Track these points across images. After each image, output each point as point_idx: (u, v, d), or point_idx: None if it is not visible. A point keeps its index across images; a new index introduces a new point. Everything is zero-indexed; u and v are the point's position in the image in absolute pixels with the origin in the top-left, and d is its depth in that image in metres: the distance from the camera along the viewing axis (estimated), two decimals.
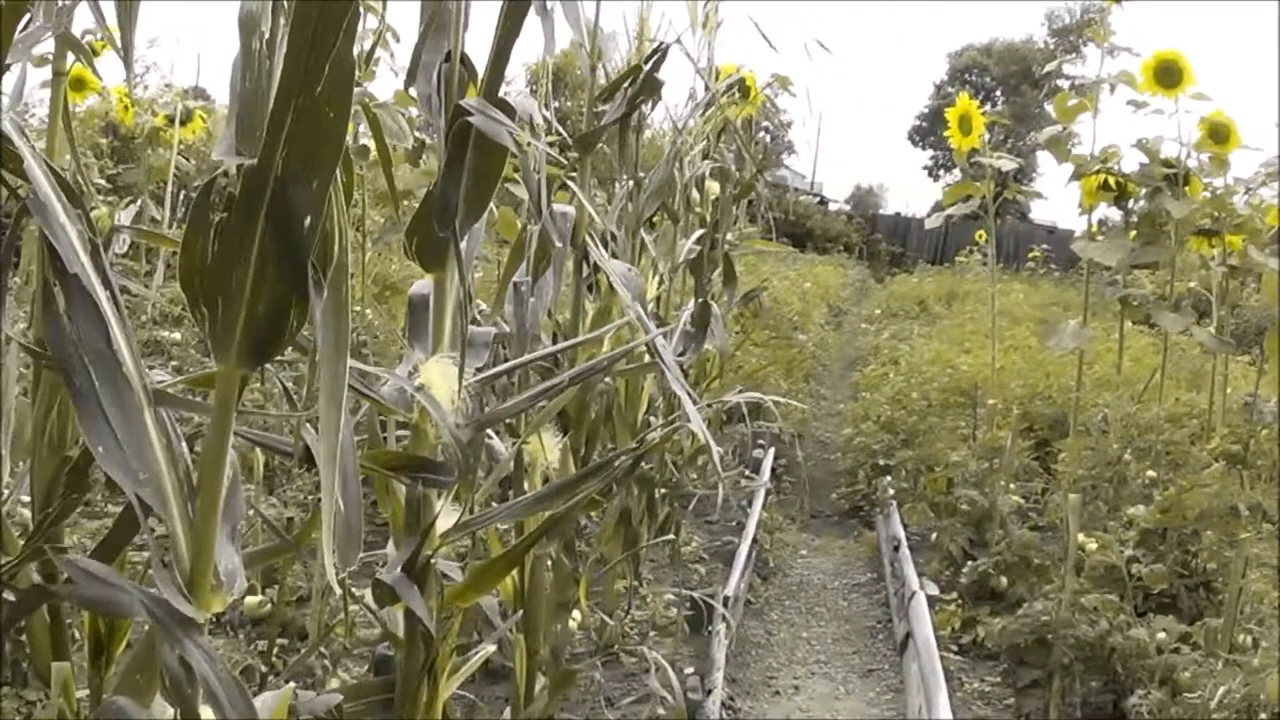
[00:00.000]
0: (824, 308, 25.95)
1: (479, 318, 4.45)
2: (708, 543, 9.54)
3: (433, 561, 3.22)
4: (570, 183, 5.25)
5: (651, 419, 7.50)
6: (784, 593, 9.77)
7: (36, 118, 11.59)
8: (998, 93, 63.71)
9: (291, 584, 6.35)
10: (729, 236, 10.35)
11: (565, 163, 5.66)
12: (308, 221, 1.97)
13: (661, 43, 5.88)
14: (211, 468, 2.10)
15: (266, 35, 2.03)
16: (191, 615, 2.05)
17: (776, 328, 18.79)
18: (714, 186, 9.97)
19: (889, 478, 11.67)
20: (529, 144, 3.13)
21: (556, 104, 31.39)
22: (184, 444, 2.17)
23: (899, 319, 24.89)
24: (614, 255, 6.81)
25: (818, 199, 55.35)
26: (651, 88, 5.74)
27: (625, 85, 5.71)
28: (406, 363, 3.29)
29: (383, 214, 10.59)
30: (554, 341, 5.68)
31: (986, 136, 9.99)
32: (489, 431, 4.28)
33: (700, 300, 8.23)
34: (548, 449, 4.69)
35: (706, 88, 8.40)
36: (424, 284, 3.42)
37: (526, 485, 4.73)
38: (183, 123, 13.66)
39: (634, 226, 7.14)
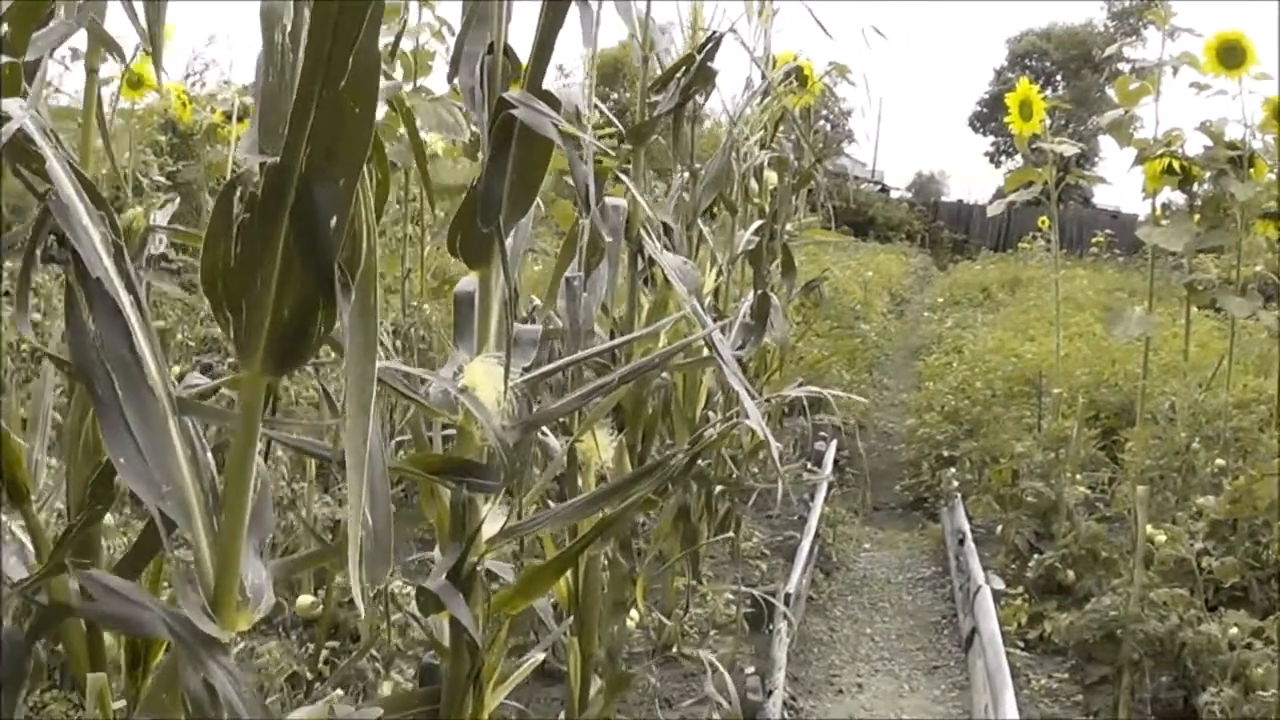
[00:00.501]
0: (886, 296, 25.79)
1: (533, 314, 4.35)
2: (769, 538, 9.42)
3: (478, 568, 3.13)
4: (623, 176, 5.14)
5: (710, 414, 7.39)
6: (847, 588, 9.67)
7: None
8: (1058, 77, 63.28)
9: (342, 584, 6.27)
10: (788, 227, 10.22)
11: (616, 155, 5.56)
12: (333, 221, 1.88)
13: (714, 31, 5.76)
14: (236, 479, 2.02)
15: (289, 29, 1.94)
16: (215, 635, 1.97)
17: (838, 317, 18.62)
18: (772, 176, 9.87)
19: (953, 469, 11.54)
20: (575, 137, 3.03)
21: (615, 96, 31.34)
22: (209, 454, 2.09)
23: (962, 307, 24.66)
24: (671, 248, 6.73)
25: (879, 187, 55.07)
26: (705, 77, 5.61)
27: (678, 75, 5.59)
28: (452, 363, 3.19)
29: (444, 208, 10.50)
30: (611, 338, 5.60)
31: (1047, 122, 9.84)
32: (544, 429, 4.20)
33: (759, 292, 8.12)
34: (602, 447, 4.59)
35: (763, 76, 8.28)
36: (469, 281, 3.32)
37: (580, 484, 4.64)
38: (240, 119, 13.52)
39: (690, 218, 7.03)
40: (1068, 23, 66.04)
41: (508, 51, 3.16)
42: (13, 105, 1.88)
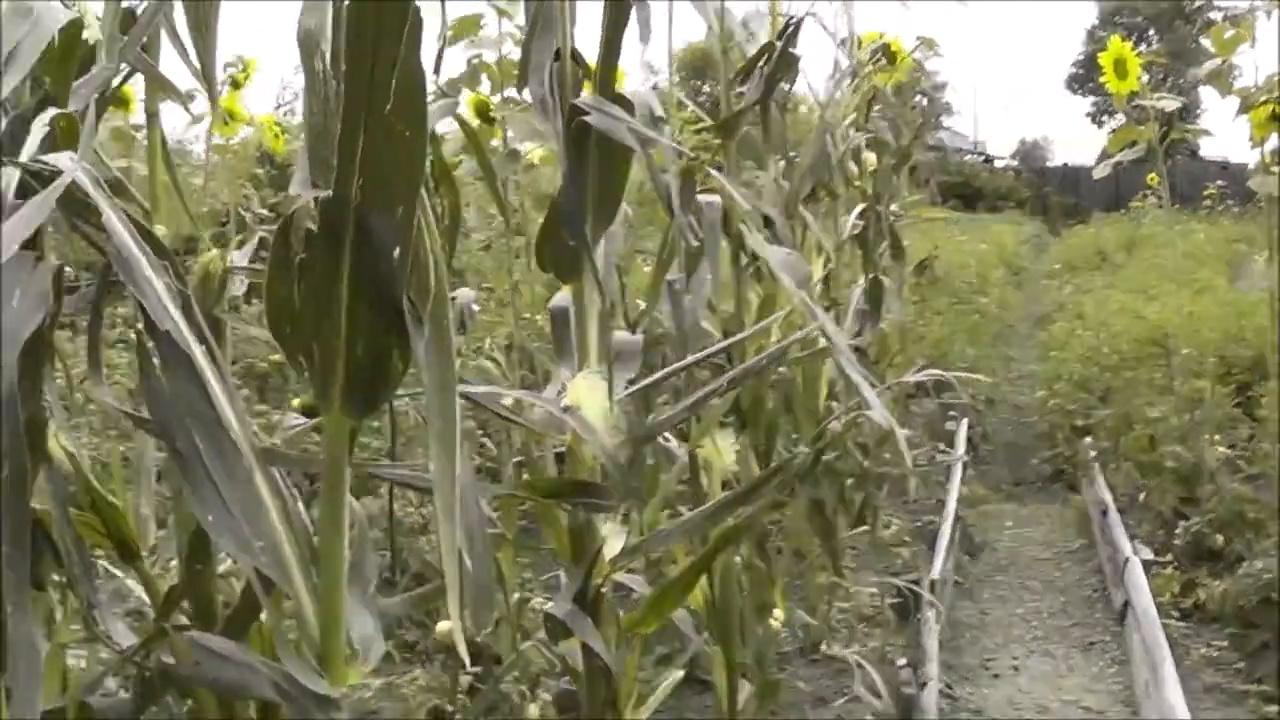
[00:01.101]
0: (1002, 268, 25.46)
1: (637, 321, 4.28)
2: (909, 524, 9.26)
3: (604, 590, 3.04)
4: (715, 171, 5.04)
5: (834, 404, 7.26)
6: (994, 568, 9.50)
7: (194, 154, 11.84)
8: (1151, 31, 62.58)
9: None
10: (893, 207, 10.08)
11: (708, 150, 5.47)
12: (396, 252, 1.79)
13: (791, 17, 5.64)
14: (330, 529, 1.93)
15: (329, 54, 1.86)
16: (325, 692, 1.89)
17: (956, 293, 18.47)
18: (872, 157, 9.72)
19: (1089, 438, 11.33)
20: (653, 140, 2.95)
21: (707, 89, 31.21)
22: (301, 504, 2.01)
23: (1080, 271, 24.37)
24: (775, 239, 6.63)
25: (982, 158, 54.85)
26: (787, 64, 5.50)
27: (760, 64, 5.49)
28: (554, 382, 3.11)
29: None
30: (723, 337, 5.52)
31: (1145, 78, 9.64)
32: (665, 436, 4.11)
33: (871, 276, 8.01)
34: (723, 451, 4.51)
35: (849, 58, 8.17)
36: (563, 296, 3.24)
37: (706, 490, 4.55)
38: None
39: (792, 208, 6.93)
40: None
41: (576, 56, 3.08)
42: (63, 159, 1.81)
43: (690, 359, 3.79)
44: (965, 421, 12.18)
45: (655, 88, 3.11)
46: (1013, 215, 42.40)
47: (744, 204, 4.85)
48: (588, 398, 2.92)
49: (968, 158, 50.44)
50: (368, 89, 1.74)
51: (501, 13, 8.84)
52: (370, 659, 2.00)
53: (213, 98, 2.34)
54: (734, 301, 5.53)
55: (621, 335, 3.35)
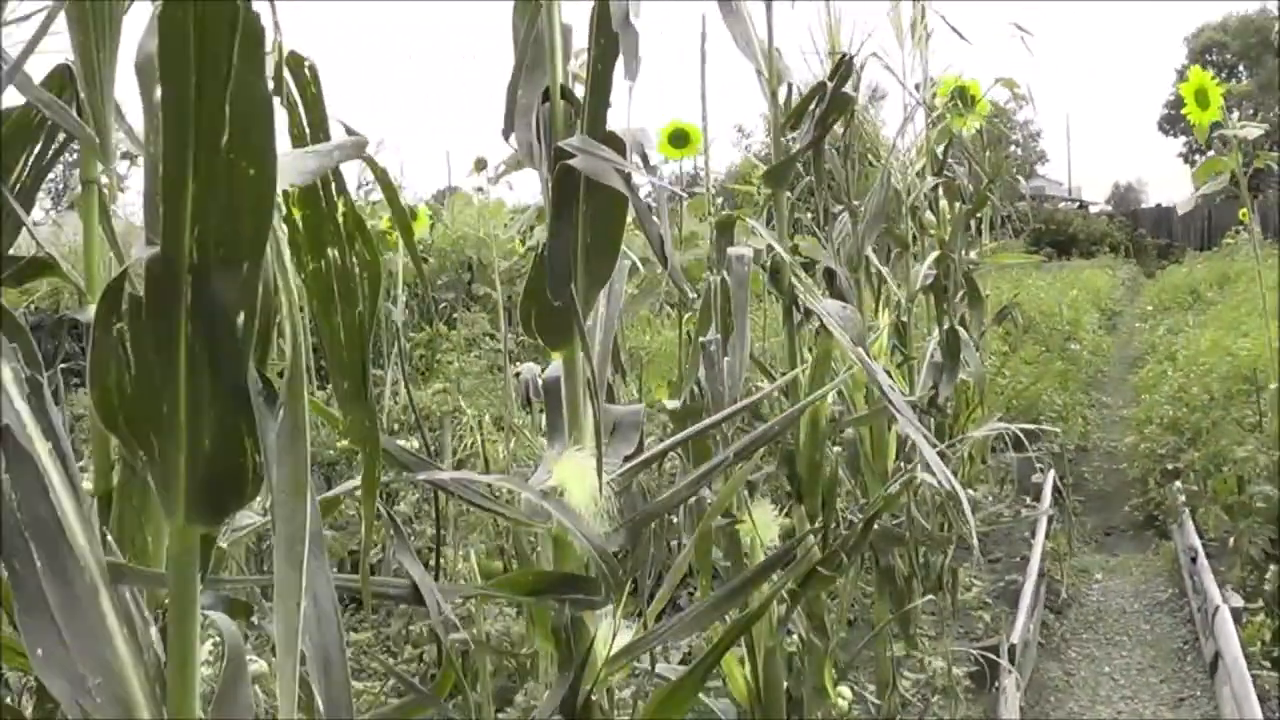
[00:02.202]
0: (1095, 312, 25.08)
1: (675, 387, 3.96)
2: (991, 584, 8.85)
3: (595, 697, 2.68)
4: (757, 225, 4.69)
5: (904, 464, 6.89)
6: (1081, 625, 9.09)
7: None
8: (1240, 67, 62.45)
9: None
10: (971, 255, 9.71)
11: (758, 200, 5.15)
12: (240, 319, 1.44)
13: (844, 53, 5.28)
14: (179, 661, 1.57)
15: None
16: None
17: (1046, 340, 18.10)
18: (946, 205, 9.37)
19: (1178, 482, 10.90)
20: (647, 182, 2.61)
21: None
22: (155, 628, 1.65)
23: (1172, 311, 23.99)
24: (839, 294, 6.33)
25: (1077, 204, 54.64)
26: (841, 105, 5.13)
27: (812, 107, 5.13)
28: (544, 463, 2.76)
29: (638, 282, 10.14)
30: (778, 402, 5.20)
31: (1235, 115, 9.28)
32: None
33: (947, 327, 7.65)
34: (763, 526, 4.14)
35: (919, 101, 7.83)
36: (556, 366, 2.89)
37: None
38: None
39: (855, 258, 6.60)
40: (1243, 11, 65.15)
41: (568, 95, 2.74)
42: None
43: (693, 428, 3.40)
44: (1052, 473, 11.73)
45: (748, 149, 2.74)
46: (1106, 260, 42.10)
47: (786, 255, 4.51)
48: (573, 480, 2.57)
49: (1062, 204, 50.28)
50: (195, 117, 1.38)
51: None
52: None
53: (106, 158, 2.02)
54: (786, 361, 5.20)
55: (620, 407, 2.99)
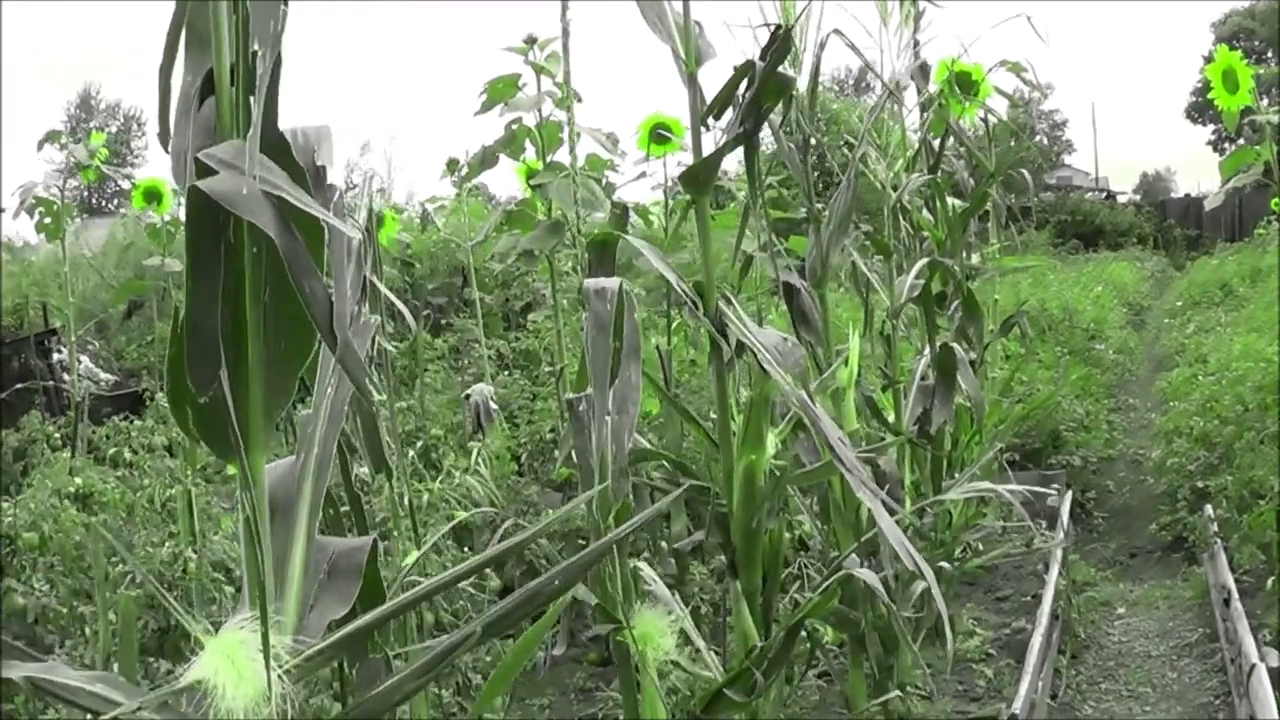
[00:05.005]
0: (1121, 309, 24.19)
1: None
2: (996, 629, 7.89)
3: None
4: (638, 241, 3.75)
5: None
6: (1100, 673, 8.15)
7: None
8: (1268, 54, 61.46)
9: None
10: (974, 259, 8.80)
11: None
12: None
13: (779, 25, 4.30)
14: None
15: None
16: None
17: (1069, 341, 17.25)
18: (955, 202, 8.41)
19: (1209, 508, 9.94)
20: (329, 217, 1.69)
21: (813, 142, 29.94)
22: None
23: (1202, 307, 23.07)
24: (802, 313, 5.48)
25: (1104, 194, 53.84)
26: (777, 89, 4.18)
27: (740, 91, 4.18)
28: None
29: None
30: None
31: (1264, 102, 8.40)
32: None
33: (941, 345, 6.74)
34: (654, 635, 3.26)
35: (892, 86, 6.93)
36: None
37: (640, 692, 3.32)
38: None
39: (819, 270, 5.72)
40: None
41: (245, 81, 1.81)
42: None
43: (473, 561, 2.42)
44: (1069, 494, 10.76)
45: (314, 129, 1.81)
46: (1134, 251, 41.39)
47: (676, 283, 3.58)
48: (229, 670, 1.64)
49: (1088, 195, 49.60)
50: None
51: (540, 70, 7.97)
52: None
53: None
54: (715, 406, 4.30)
55: (340, 542, 2.01)
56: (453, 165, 10.65)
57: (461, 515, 7.72)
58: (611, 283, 3.21)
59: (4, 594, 6.00)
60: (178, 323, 1.77)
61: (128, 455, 8.79)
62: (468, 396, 8.55)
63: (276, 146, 1.76)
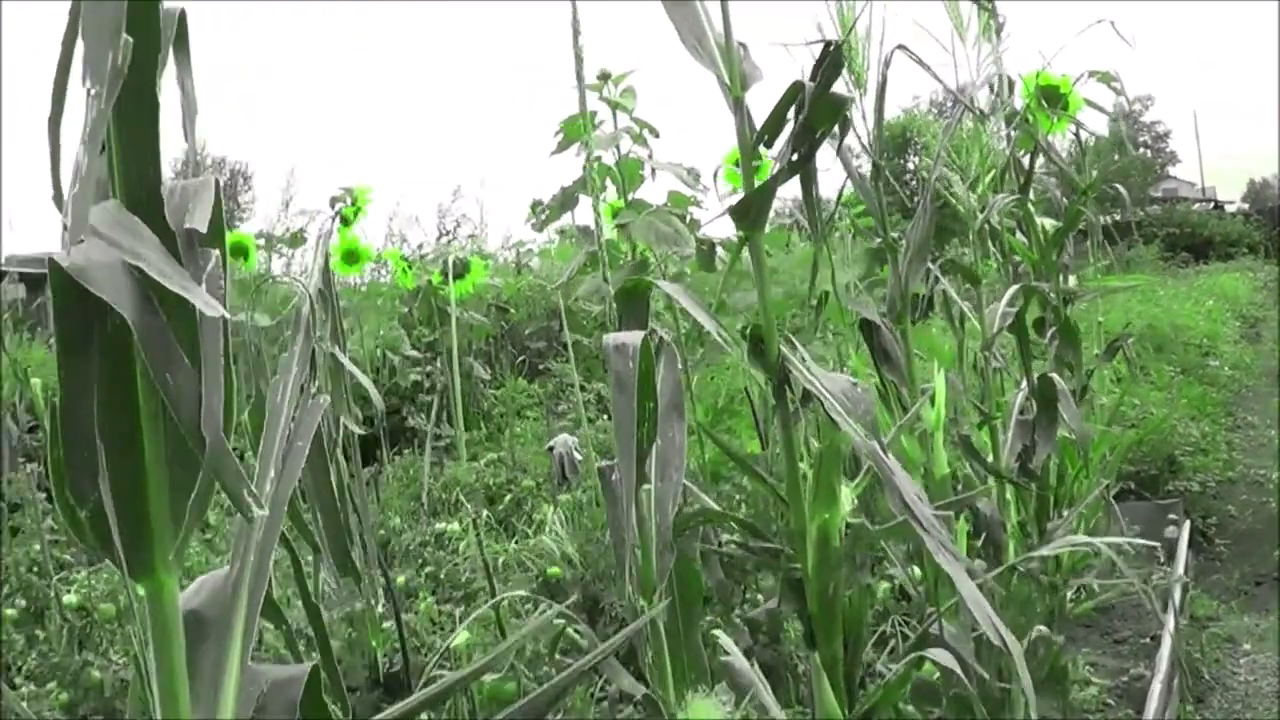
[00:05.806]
0: (1235, 321, 23.66)
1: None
2: (1113, 679, 7.42)
3: None
4: (665, 284, 3.37)
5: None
6: (1225, 715, 7.64)
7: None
8: None
9: None
10: (1070, 281, 8.36)
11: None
12: None
13: (829, 41, 3.90)
14: None
15: None
16: None
17: (1181, 359, 16.78)
18: (1047, 222, 7.98)
19: None
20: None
21: (911, 165, 29.52)
22: None
23: None
24: (884, 352, 5.10)
25: (1211, 204, 53.14)
26: (829, 111, 3.79)
27: (794, 114, 3.79)
28: None
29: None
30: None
31: None
32: None
33: (1040, 376, 6.31)
34: None
35: (965, 102, 6.52)
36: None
37: None
38: (458, 276, 12.54)
39: (900, 304, 5.31)
40: None
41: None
42: None
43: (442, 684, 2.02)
44: (1187, 526, 10.28)
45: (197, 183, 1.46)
46: (1245, 262, 40.68)
47: (715, 330, 3.19)
48: None
49: (1195, 206, 49.00)
50: None
51: (615, 106, 7.68)
52: None
53: None
54: (784, 463, 3.90)
55: (278, 670, 1.65)
56: (535, 207, 10.41)
57: (554, 570, 7.43)
58: (633, 337, 2.83)
59: (81, 669, 5.82)
60: (55, 419, 1.43)
61: (211, 519, 8.52)
62: (551, 448, 8.24)
63: (146, 205, 1.40)
